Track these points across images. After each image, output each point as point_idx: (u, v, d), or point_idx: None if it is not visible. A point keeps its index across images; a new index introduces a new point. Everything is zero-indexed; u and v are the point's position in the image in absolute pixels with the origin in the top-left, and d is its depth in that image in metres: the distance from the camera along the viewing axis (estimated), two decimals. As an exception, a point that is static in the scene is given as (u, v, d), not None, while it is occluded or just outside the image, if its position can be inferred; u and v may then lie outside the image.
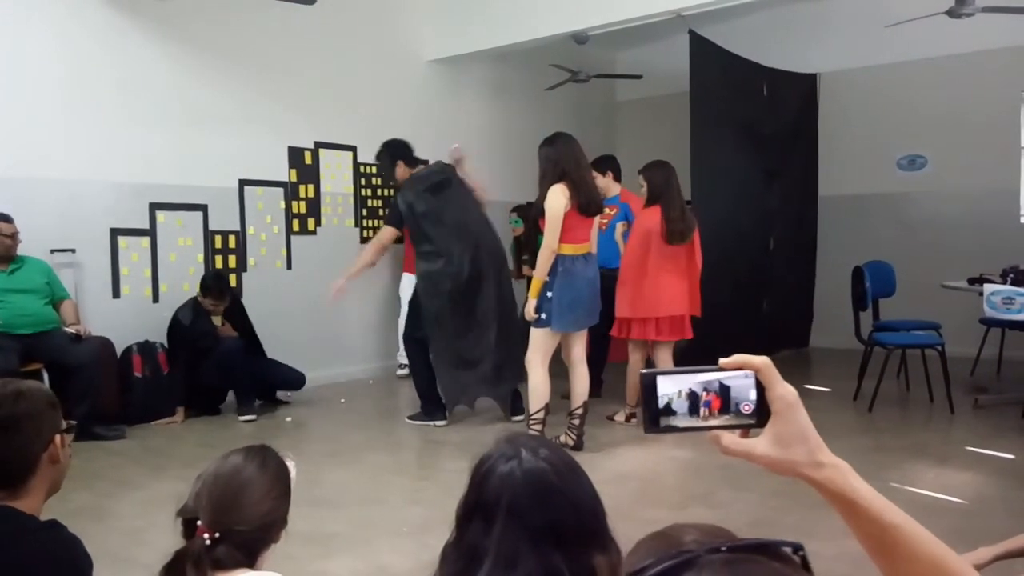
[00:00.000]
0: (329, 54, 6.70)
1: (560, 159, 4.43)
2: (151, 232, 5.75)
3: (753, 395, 0.82)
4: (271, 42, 6.32)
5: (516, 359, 4.92)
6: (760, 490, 3.66)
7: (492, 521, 1.19)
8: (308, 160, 6.69)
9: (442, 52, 7.43)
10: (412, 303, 5.44)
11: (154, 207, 5.75)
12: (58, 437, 1.67)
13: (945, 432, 4.98)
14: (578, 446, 4.50)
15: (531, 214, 5.32)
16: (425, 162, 5.59)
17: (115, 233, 5.57)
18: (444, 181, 5.24)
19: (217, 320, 5.55)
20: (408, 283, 6.62)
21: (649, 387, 0.82)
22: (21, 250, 4.89)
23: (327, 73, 6.69)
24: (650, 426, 0.82)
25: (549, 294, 4.41)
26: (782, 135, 7.54)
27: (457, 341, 5.17)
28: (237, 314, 5.73)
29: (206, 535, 1.44)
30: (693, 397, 0.81)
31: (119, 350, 5.28)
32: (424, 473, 4.46)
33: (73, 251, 5.34)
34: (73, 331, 4.91)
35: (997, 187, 7.23)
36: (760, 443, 0.82)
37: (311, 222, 6.73)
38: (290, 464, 1.66)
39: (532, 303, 4.43)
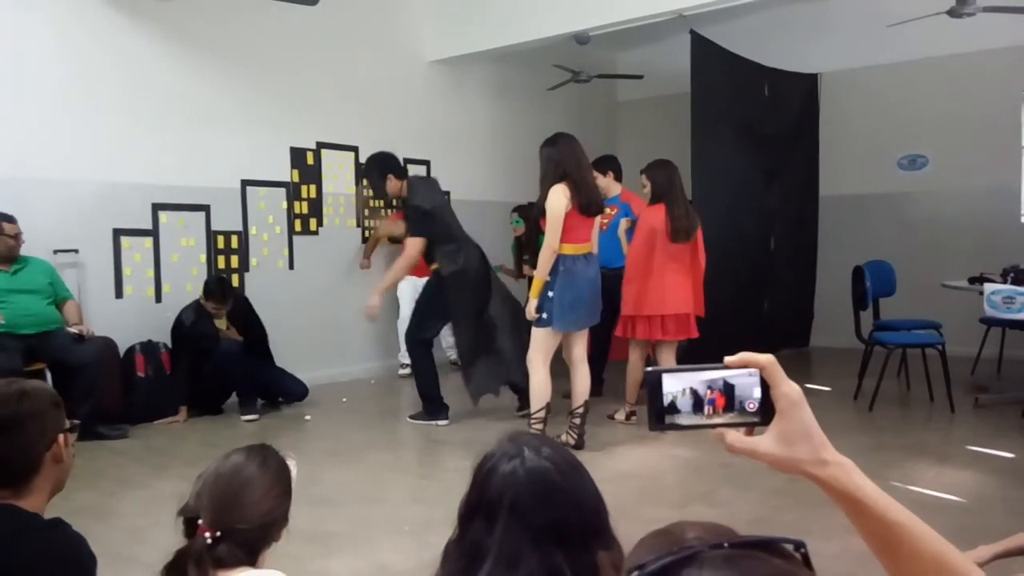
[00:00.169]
0: (331, 54, 6.71)
1: (561, 159, 4.43)
2: (154, 232, 5.76)
3: (757, 393, 0.82)
4: (273, 42, 6.33)
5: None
6: (761, 489, 3.67)
7: (494, 520, 1.19)
8: (310, 160, 6.70)
9: (444, 52, 7.44)
10: (420, 305, 5.40)
11: (157, 207, 5.76)
12: (62, 436, 1.67)
13: (945, 431, 4.98)
14: (579, 445, 4.51)
15: (532, 214, 5.35)
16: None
17: (118, 233, 5.58)
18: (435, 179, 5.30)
19: (221, 323, 5.54)
20: (406, 285, 6.63)
21: (654, 385, 0.82)
22: (24, 250, 4.90)
23: (329, 73, 6.70)
24: (655, 424, 0.83)
25: (550, 294, 4.42)
26: (783, 135, 7.56)
27: (488, 331, 5.19)
28: (243, 318, 5.71)
29: (207, 534, 1.45)
30: (697, 395, 0.82)
31: (122, 350, 5.28)
32: (425, 472, 4.47)
33: (76, 251, 5.35)
34: (76, 331, 4.91)
35: (997, 187, 7.24)
36: (764, 441, 0.82)
37: (313, 222, 6.74)
38: (291, 463, 1.66)
39: (533, 303, 4.44)
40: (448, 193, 5.99)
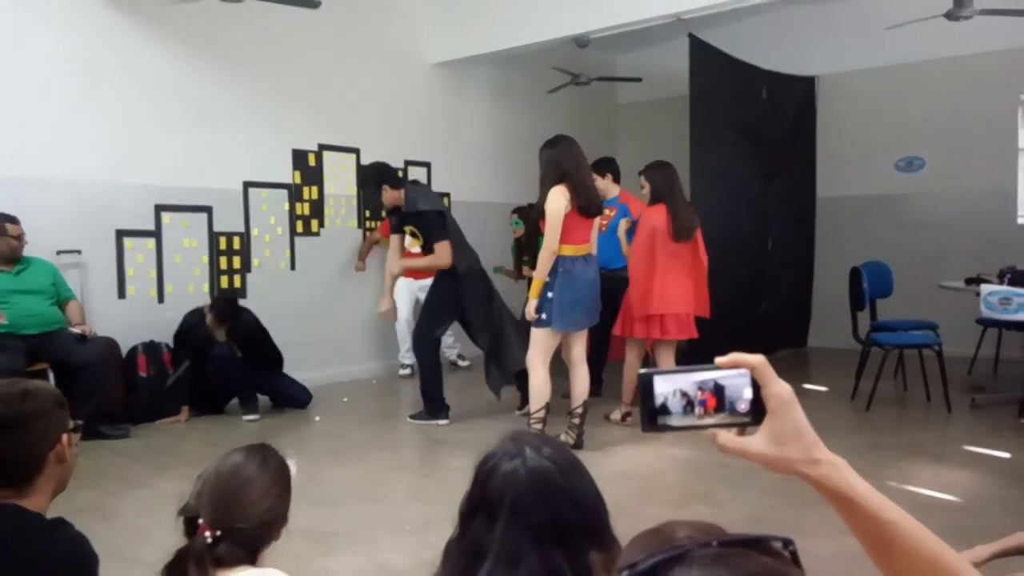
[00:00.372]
0: (333, 57, 6.73)
1: (561, 161, 4.46)
2: (156, 233, 5.78)
3: (748, 393, 0.82)
4: (276, 45, 6.35)
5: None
6: (759, 488, 3.69)
7: (495, 518, 1.20)
8: (312, 162, 6.73)
9: (445, 55, 7.46)
10: (433, 304, 5.36)
11: (159, 208, 5.79)
12: (65, 436, 1.67)
13: (942, 431, 5.01)
14: (578, 445, 4.53)
15: (532, 216, 5.36)
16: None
17: (121, 234, 5.60)
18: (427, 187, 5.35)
19: (221, 337, 5.47)
20: (404, 287, 6.63)
21: (646, 387, 0.83)
22: (27, 251, 4.91)
23: (331, 76, 6.72)
24: (647, 425, 0.83)
25: (549, 294, 4.45)
26: (781, 137, 7.57)
27: (500, 327, 5.24)
28: (249, 343, 5.55)
29: (207, 533, 1.45)
30: (688, 396, 0.82)
31: (124, 350, 5.31)
32: (426, 471, 4.49)
33: (79, 252, 5.37)
34: (79, 331, 4.92)
35: (994, 188, 7.26)
36: (756, 441, 0.82)
37: (315, 223, 6.76)
38: (290, 462, 1.67)
39: (532, 303, 4.47)
40: (448, 195, 6.02)
